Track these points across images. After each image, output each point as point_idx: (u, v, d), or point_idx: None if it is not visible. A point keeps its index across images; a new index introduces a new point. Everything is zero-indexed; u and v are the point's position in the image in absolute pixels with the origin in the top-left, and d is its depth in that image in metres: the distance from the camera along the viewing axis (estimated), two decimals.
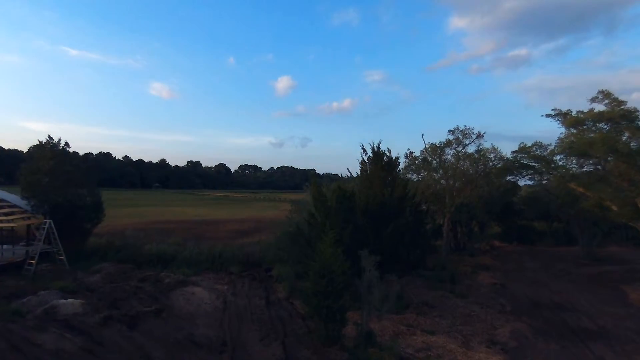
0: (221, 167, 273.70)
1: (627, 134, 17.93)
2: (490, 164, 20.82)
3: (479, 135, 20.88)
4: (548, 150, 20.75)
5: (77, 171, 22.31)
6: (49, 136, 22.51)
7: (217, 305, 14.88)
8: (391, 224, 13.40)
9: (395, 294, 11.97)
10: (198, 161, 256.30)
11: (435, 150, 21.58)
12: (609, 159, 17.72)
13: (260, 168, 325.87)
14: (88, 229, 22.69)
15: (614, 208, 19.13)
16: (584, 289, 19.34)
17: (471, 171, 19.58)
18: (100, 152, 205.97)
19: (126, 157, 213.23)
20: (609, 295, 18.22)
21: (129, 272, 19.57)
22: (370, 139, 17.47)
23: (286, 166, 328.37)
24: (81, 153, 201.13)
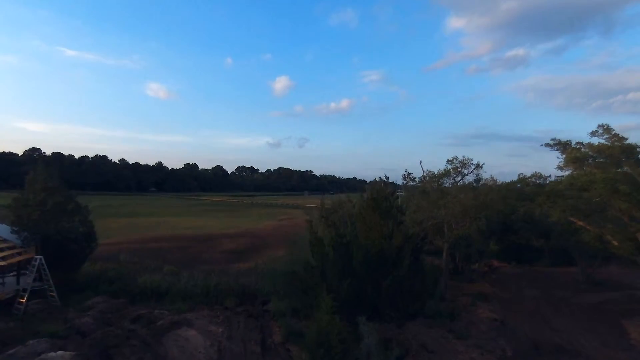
0: (218, 169, 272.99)
1: (627, 169, 17.74)
2: (489, 197, 20.62)
3: (478, 166, 20.66)
4: (548, 182, 20.58)
5: (68, 201, 21.83)
6: (42, 165, 22.03)
7: (211, 356, 14.50)
8: (390, 275, 13.07)
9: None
10: (195, 163, 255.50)
11: (433, 179, 21.35)
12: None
13: (258, 170, 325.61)
14: (80, 259, 22.26)
15: (615, 243, 18.92)
16: (585, 325, 19.08)
17: (469, 203, 19.30)
18: (96, 155, 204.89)
19: (122, 160, 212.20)
20: (610, 334, 17.97)
21: (122, 309, 19.16)
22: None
23: (283, 168, 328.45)
24: (77, 156, 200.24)
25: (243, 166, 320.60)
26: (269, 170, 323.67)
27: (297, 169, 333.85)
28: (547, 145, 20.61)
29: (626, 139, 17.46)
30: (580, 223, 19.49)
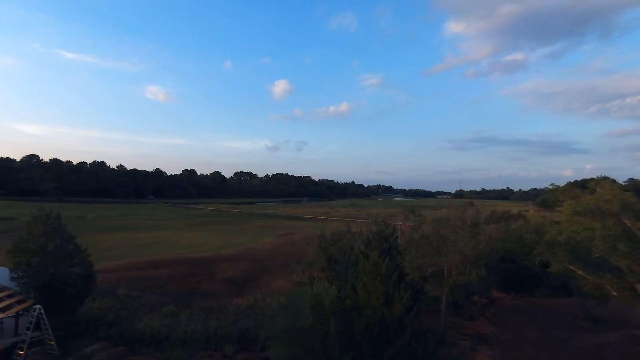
0: (216, 175, 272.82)
1: (627, 224, 17.83)
2: (489, 246, 20.71)
3: (478, 212, 20.75)
4: (547, 234, 20.62)
5: (68, 244, 21.78)
6: (42, 208, 22.03)
7: None
8: (391, 347, 13.09)
9: None
10: (193, 169, 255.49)
11: (435, 224, 21.43)
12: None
13: (256, 175, 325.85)
14: (79, 301, 22.22)
15: (613, 293, 19.00)
16: None
17: (469, 252, 19.38)
18: (94, 161, 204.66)
19: (120, 167, 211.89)
20: None
21: (122, 359, 19.10)
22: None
23: (282, 173, 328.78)
24: (75, 162, 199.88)
25: (241, 171, 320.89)
26: (267, 175, 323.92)
27: (295, 174, 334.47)
28: (547, 190, 20.67)
29: (627, 194, 17.57)
30: (580, 272, 19.58)
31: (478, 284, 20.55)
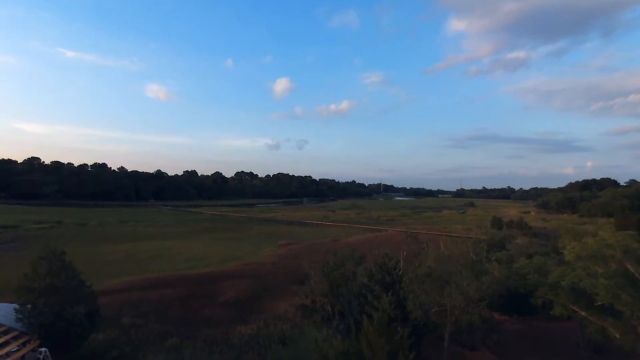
0: (217, 175, 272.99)
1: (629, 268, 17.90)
2: (492, 288, 20.80)
3: (482, 249, 20.80)
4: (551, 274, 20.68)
5: (72, 281, 21.90)
6: (47, 246, 22.16)
7: None
8: None
9: None
10: (194, 170, 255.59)
11: (439, 261, 21.52)
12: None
13: (257, 175, 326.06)
14: (84, 339, 22.37)
15: (617, 335, 19.08)
16: None
17: (472, 295, 19.47)
18: (95, 163, 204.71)
19: (121, 168, 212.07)
20: None
21: None
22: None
23: (282, 173, 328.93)
24: (76, 163, 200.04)
25: (242, 171, 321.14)
26: (268, 176, 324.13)
27: (296, 174, 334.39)
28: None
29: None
30: (583, 313, 19.68)
31: (479, 324, 20.64)
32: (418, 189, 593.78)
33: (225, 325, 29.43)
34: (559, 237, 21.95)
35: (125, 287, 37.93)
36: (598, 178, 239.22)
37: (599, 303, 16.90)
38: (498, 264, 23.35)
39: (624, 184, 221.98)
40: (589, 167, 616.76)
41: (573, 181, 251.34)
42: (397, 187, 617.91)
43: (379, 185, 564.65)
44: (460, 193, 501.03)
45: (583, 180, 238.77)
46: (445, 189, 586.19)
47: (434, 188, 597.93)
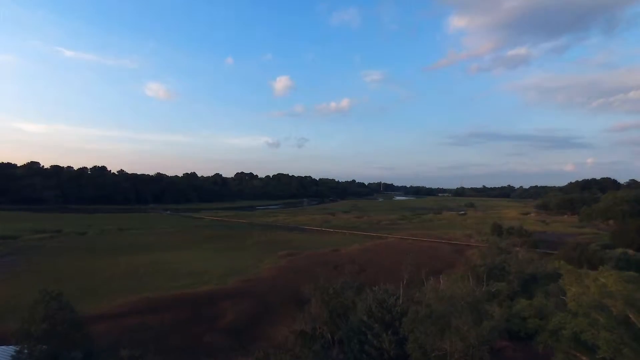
0: (217, 177, 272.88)
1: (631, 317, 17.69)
2: (494, 332, 20.64)
3: (482, 290, 20.61)
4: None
5: (70, 326, 21.75)
6: (45, 289, 22.03)
7: None
8: None
9: None
10: (194, 172, 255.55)
11: (439, 302, 21.35)
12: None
13: (257, 175, 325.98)
14: None
15: None
16: None
17: (472, 341, 19.31)
18: (95, 167, 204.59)
19: (121, 171, 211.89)
20: None
21: None
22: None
23: (282, 173, 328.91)
24: (75, 167, 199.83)
25: (242, 172, 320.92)
26: (267, 176, 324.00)
27: (296, 171, 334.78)
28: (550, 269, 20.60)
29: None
30: (584, 359, 19.47)
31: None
32: (418, 187, 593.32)
33: (225, 354, 29.37)
34: (561, 278, 21.72)
35: (125, 311, 37.70)
36: (598, 177, 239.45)
37: (601, 356, 16.72)
38: (499, 307, 23.21)
39: (624, 184, 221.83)
40: (589, 164, 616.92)
41: (573, 180, 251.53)
42: (397, 186, 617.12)
43: (379, 184, 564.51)
44: (461, 192, 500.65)
45: (583, 180, 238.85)
46: (445, 187, 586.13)
47: (434, 186, 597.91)
